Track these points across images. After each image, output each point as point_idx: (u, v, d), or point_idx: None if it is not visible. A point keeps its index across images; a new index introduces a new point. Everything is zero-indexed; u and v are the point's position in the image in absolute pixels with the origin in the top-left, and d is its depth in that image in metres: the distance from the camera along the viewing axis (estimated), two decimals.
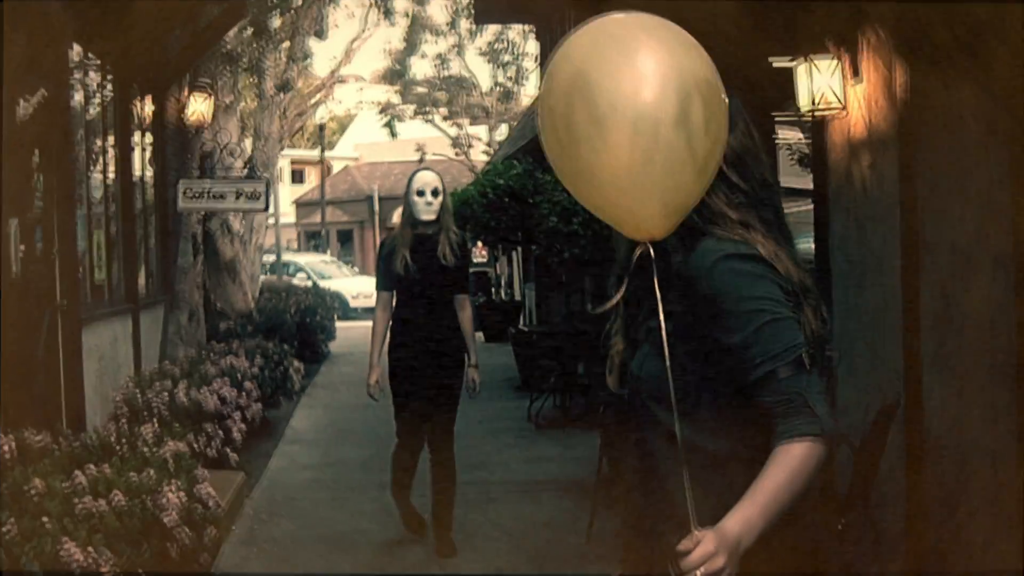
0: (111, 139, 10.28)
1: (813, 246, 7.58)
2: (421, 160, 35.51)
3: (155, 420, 8.10)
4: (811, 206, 7.65)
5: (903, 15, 5.81)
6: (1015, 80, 4.76)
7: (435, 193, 7.00)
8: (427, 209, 6.98)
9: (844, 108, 6.70)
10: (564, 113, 2.35)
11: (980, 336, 5.35)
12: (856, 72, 6.57)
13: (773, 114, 8.24)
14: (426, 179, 7.07)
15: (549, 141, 2.41)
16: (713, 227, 2.52)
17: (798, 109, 6.85)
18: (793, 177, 10.54)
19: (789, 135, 10.59)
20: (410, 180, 7.09)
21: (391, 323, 7.12)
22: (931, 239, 5.82)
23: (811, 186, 7.76)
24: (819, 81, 6.68)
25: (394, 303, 7.14)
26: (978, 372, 5.39)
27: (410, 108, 41.33)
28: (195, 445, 8.21)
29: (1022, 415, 4.95)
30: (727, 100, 2.41)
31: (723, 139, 2.38)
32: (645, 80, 2.29)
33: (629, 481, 2.67)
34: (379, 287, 7.24)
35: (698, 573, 2.15)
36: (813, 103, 6.72)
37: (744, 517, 2.28)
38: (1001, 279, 5.14)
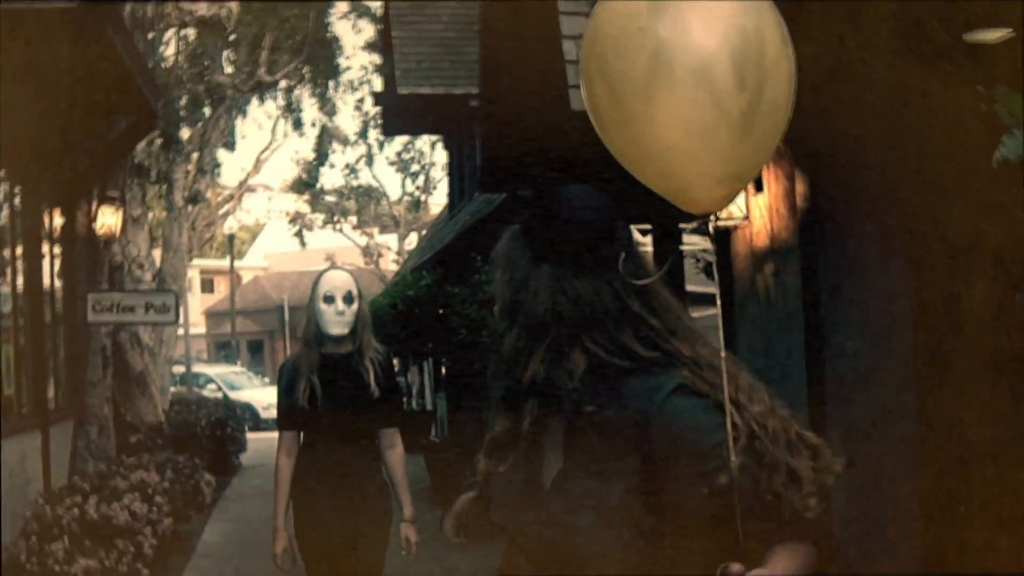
0: (20, 250, 10.22)
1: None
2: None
3: (66, 537, 7.97)
4: (717, 310, 7.79)
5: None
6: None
7: (348, 299, 5.44)
8: (338, 321, 5.42)
9: (747, 219, 6.89)
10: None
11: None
12: (758, 184, 6.75)
13: (680, 225, 8.41)
14: (336, 281, 5.50)
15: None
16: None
17: (705, 220, 7.00)
18: (699, 285, 10.74)
19: (697, 241, 10.79)
20: (315, 284, 5.52)
21: (296, 472, 5.50)
22: (838, 340, 5.96)
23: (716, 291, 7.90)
24: None
25: (300, 444, 5.54)
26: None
27: (320, 217, 41.50)
28: (106, 562, 8.08)
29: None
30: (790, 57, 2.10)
31: (775, 100, 2.08)
32: (660, 17, 2.03)
33: None
34: (280, 426, 5.57)
35: None
36: (717, 215, 6.85)
37: None
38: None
